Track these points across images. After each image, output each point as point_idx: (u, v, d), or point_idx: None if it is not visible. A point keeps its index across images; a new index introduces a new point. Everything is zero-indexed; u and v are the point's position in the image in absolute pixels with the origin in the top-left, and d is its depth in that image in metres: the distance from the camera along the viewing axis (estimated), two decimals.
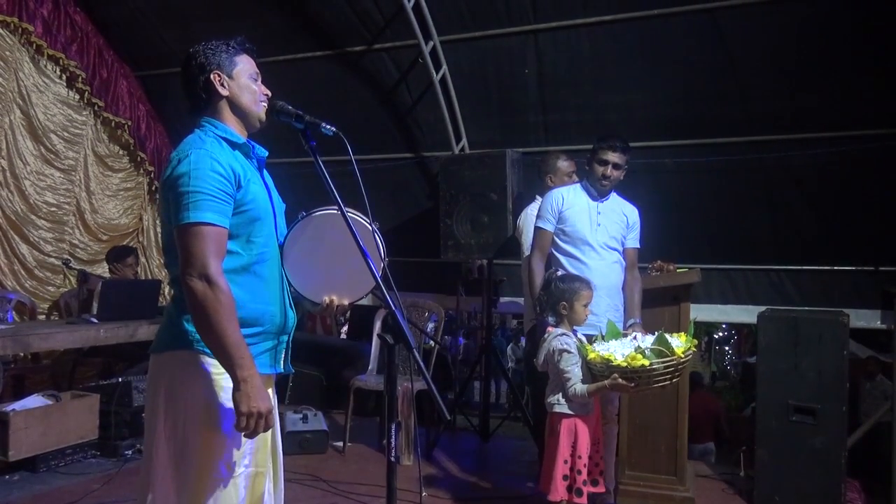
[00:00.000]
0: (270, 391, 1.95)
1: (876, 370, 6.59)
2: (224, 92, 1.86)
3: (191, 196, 1.70)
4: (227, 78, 1.86)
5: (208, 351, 1.75)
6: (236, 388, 1.68)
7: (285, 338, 1.96)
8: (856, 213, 4.50)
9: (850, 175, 4.44)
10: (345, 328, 8.23)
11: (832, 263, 4.68)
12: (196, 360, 1.78)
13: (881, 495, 3.89)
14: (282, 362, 1.96)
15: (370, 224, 1.84)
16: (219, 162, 1.74)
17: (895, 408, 4.27)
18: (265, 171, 2.01)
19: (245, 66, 1.90)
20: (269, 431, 1.94)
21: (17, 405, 3.82)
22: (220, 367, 1.75)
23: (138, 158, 6.16)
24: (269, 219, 1.88)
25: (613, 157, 3.33)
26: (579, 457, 2.87)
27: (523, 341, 7.80)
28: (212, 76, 1.85)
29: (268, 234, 1.87)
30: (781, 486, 3.58)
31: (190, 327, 1.78)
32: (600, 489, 3.03)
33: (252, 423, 1.68)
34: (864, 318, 4.60)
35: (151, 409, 1.87)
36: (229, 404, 1.73)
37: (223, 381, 1.77)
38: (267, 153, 2.01)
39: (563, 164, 4.07)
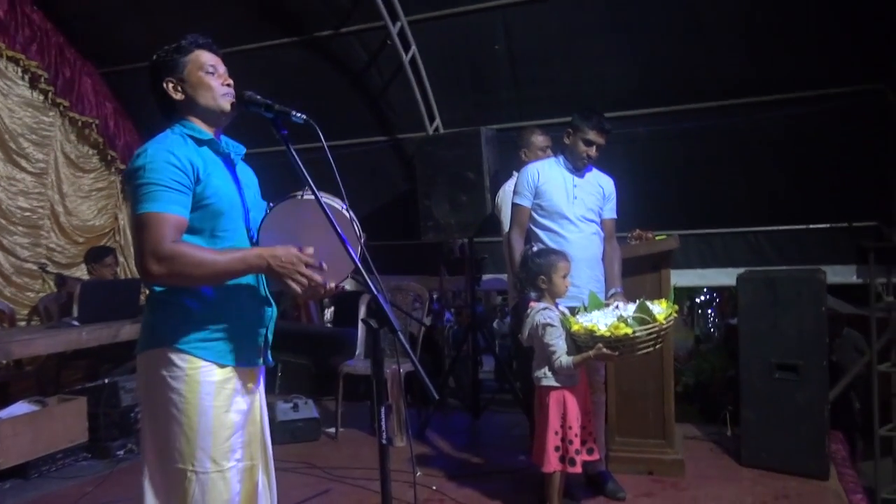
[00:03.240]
0: (254, 386, 1.96)
1: (843, 325, 6.75)
2: (178, 96, 1.89)
3: (145, 188, 1.73)
4: (178, 82, 1.88)
5: (182, 347, 1.78)
6: (268, 273, 1.78)
7: (263, 331, 1.96)
8: (828, 171, 4.56)
9: (821, 134, 4.49)
10: (329, 311, 8.21)
11: (807, 222, 4.75)
12: (166, 357, 1.79)
13: (861, 444, 4.00)
14: (261, 356, 1.96)
15: (343, 206, 1.83)
16: (174, 154, 1.76)
17: (872, 360, 4.37)
18: (242, 166, 2.01)
19: (196, 64, 1.89)
20: (259, 424, 1.96)
21: (4, 413, 3.79)
22: (194, 361, 1.78)
23: (108, 157, 6.07)
24: (235, 212, 1.88)
25: (600, 138, 3.34)
26: (569, 427, 2.92)
27: (508, 319, 7.85)
28: (164, 84, 1.89)
29: (235, 229, 1.88)
30: (768, 442, 3.66)
31: (159, 326, 1.82)
32: (595, 457, 3.08)
33: (299, 278, 1.73)
34: (841, 274, 4.69)
35: (142, 409, 1.92)
36: (207, 400, 1.77)
37: (199, 376, 1.79)
38: (244, 149, 2.01)
39: (537, 139, 4.07)
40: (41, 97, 5.52)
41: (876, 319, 4.62)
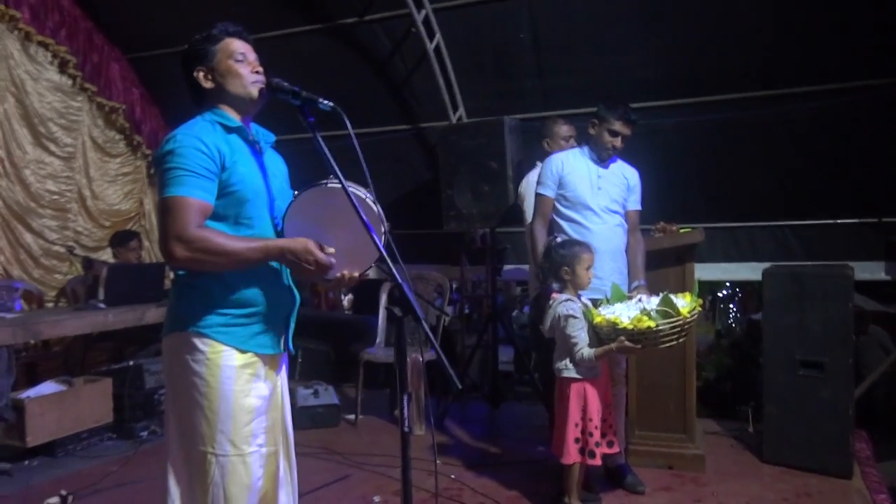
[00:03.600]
0: (275, 372, 1.98)
1: (867, 322, 6.65)
2: (208, 84, 1.91)
3: (172, 172, 1.75)
4: (208, 70, 1.90)
5: (204, 331, 1.81)
6: (286, 263, 1.83)
7: (286, 318, 1.98)
8: (857, 165, 4.47)
9: (851, 127, 4.40)
10: (347, 298, 8.24)
11: (835, 217, 4.66)
12: (189, 341, 1.82)
13: (883, 443, 3.95)
14: (283, 342, 1.98)
15: (368, 195, 1.84)
16: (202, 141, 1.78)
17: None
18: (271, 155, 2.03)
19: (226, 52, 1.90)
20: (281, 410, 1.98)
21: (32, 392, 3.87)
22: (215, 346, 1.81)
23: (135, 143, 6.13)
24: (260, 200, 1.89)
25: (625, 129, 3.31)
26: (590, 420, 2.91)
27: (527, 309, 7.80)
28: (195, 73, 1.91)
29: (260, 216, 1.89)
30: (790, 439, 3.62)
31: (182, 310, 1.85)
32: (614, 450, 3.07)
33: (314, 264, 1.78)
34: (869, 270, 4.60)
35: (166, 391, 1.95)
36: (227, 384, 1.80)
37: (220, 360, 1.81)
38: (273, 136, 2.03)
39: (561, 129, 4.05)
40: (70, 82, 5.58)
41: None
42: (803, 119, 4.49)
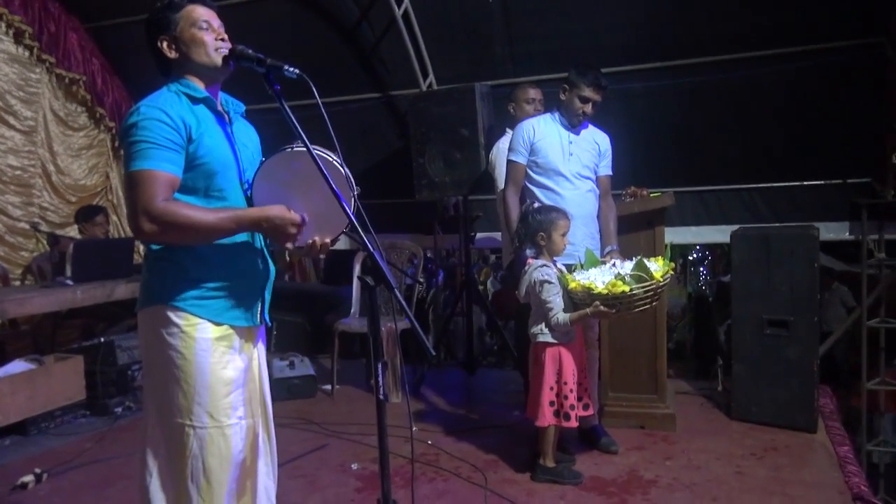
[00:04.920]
0: (252, 345, 1.97)
1: (830, 280, 6.83)
2: (172, 54, 1.86)
3: (137, 146, 1.71)
4: (172, 40, 1.85)
5: (178, 304, 1.79)
6: (262, 232, 1.85)
7: (261, 290, 1.96)
8: (824, 128, 4.54)
9: (818, 89, 4.45)
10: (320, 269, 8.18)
11: (802, 179, 4.74)
12: (163, 315, 1.80)
13: (846, 398, 4.08)
14: (259, 314, 1.96)
15: (337, 159, 1.81)
16: (166, 113, 1.74)
17: (863, 315, 4.42)
18: (242, 124, 1.99)
19: (188, 20, 1.84)
20: (259, 382, 1.97)
21: (1, 371, 3.80)
22: (190, 319, 1.80)
23: (97, 115, 5.96)
24: (229, 171, 1.86)
25: (596, 95, 3.31)
26: (565, 383, 2.96)
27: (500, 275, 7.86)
28: (158, 42, 1.86)
29: (230, 188, 1.86)
30: (757, 397, 3.73)
31: (156, 284, 1.83)
32: (589, 412, 3.13)
33: (294, 231, 1.77)
34: (834, 231, 4.70)
35: (143, 365, 1.94)
36: (203, 356, 1.80)
37: (195, 332, 1.80)
38: (243, 106, 2.00)
39: (525, 93, 4.04)
40: (27, 53, 5.39)
41: (867, 276, 4.66)
42: (772, 82, 4.53)
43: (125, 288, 4.24)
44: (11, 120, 5.29)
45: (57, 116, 5.68)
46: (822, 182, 4.70)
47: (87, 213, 5.17)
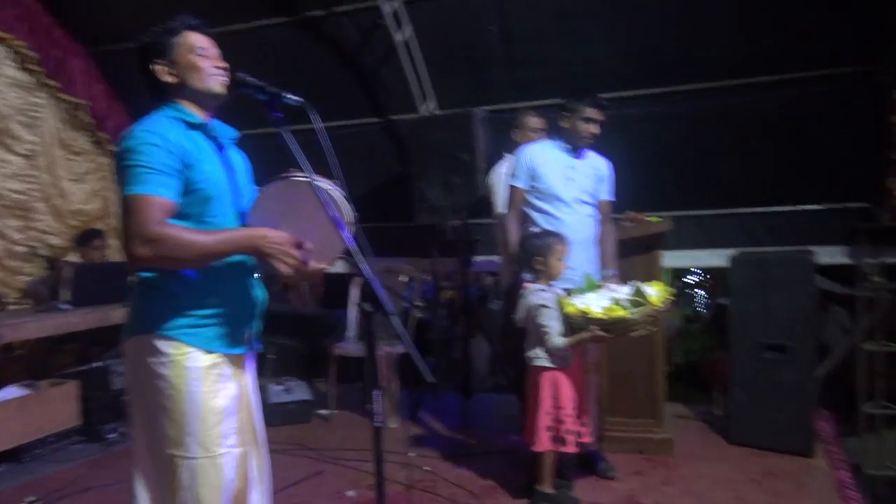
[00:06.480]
0: (242, 371, 1.95)
1: (827, 303, 6.82)
2: (168, 79, 1.86)
3: (133, 170, 1.70)
4: (168, 64, 1.85)
5: (168, 333, 1.77)
6: (257, 256, 1.78)
7: (252, 317, 1.95)
8: (820, 153, 4.56)
9: (814, 115, 4.48)
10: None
11: (800, 203, 4.76)
12: (152, 344, 1.78)
13: (845, 421, 4.06)
14: (250, 342, 1.95)
15: (335, 187, 1.82)
16: (163, 137, 1.74)
17: (859, 339, 4.41)
18: (234, 151, 1.99)
19: (187, 46, 1.85)
20: (250, 409, 1.96)
21: None
22: (181, 347, 1.77)
23: (99, 139, 6.00)
24: (225, 198, 1.86)
25: (599, 115, 3.36)
26: (561, 408, 2.95)
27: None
28: (154, 67, 1.85)
29: (224, 214, 1.85)
30: (756, 421, 3.71)
31: (145, 312, 1.81)
32: (587, 439, 3.11)
33: (287, 259, 1.73)
34: (831, 255, 4.70)
35: (129, 396, 1.91)
36: (194, 385, 1.77)
37: (186, 361, 1.78)
38: (237, 133, 1.99)
39: (530, 121, 4.07)
40: (30, 78, 5.44)
41: (863, 299, 4.65)
42: (769, 108, 4.56)
43: (121, 312, 4.23)
44: (14, 145, 5.31)
45: (60, 141, 5.71)
46: (820, 206, 4.71)
47: (85, 237, 5.20)
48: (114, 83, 6.09)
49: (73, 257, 5.43)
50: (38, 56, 5.40)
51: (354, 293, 4.77)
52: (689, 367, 6.86)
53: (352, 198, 1.86)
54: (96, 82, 5.95)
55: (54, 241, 5.58)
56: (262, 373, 5.42)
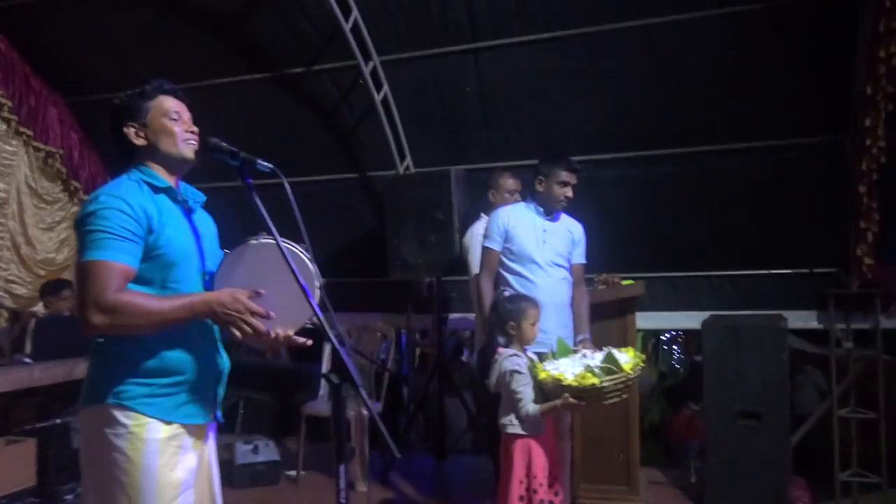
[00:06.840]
0: (203, 441, 1.88)
1: (803, 364, 6.86)
2: (139, 142, 1.85)
3: (93, 235, 1.68)
4: (140, 127, 1.84)
5: (125, 403, 1.71)
6: (213, 321, 1.78)
7: (214, 385, 1.90)
8: (790, 219, 4.65)
9: (783, 182, 4.59)
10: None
11: (770, 267, 4.83)
12: (109, 414, 1.72)
13: (821, 490, 4.03)
14: (211, 411, 1.89)
15: (302, 250, 1.80)
16: (127, 203, 1.72)
17: (833, 405, 4.41)
18: (201, 214, 1.97)
19: (160, 110, 1.85)
20: (209, 482, 1.89)
21: None
22: (139, 418, 1.71)
23: (72, 188, 5.94)
24: (189, 263, 1.83)
25: (573, 178, 3.40)
26: (534, 476, 2.88)
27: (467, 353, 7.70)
28: (125, 129, 1.85)
29: (189, 279, 1.82)
30: (730, 489, 3.68)
31: (102, 380, 1.75)
32: None
33: (243, 326, 1.70)
34: (802, 319, 4.75)
35: (83, 467, 1.82)
36: (151, 458, 1.70)
37: (144, 433, 1.72)
38: (203, 196, 1.97)
39: (507, 182, 4.10)
40: (4, 126, 5.40)
41: (836, 364, 4.68)
42: (740, 174, 4.67)
43: (85, 367, 4.11)
44: None
45: (31, 189, 5.65)
46: (790, 271, 4.79)
47: (54, 287, 5.08)
48: (90, 133, 6.08)
49: (39, 308, 5.30)
50: (12, 104, 5.38)
51: (327, 349, 4.69)
52: (664, 425, 6.81)
53: (327, 252, 1.84)
54: (72, 131, 5.94)
55: (20, 290, 5.46)
56: (231, 429, 5.31)
